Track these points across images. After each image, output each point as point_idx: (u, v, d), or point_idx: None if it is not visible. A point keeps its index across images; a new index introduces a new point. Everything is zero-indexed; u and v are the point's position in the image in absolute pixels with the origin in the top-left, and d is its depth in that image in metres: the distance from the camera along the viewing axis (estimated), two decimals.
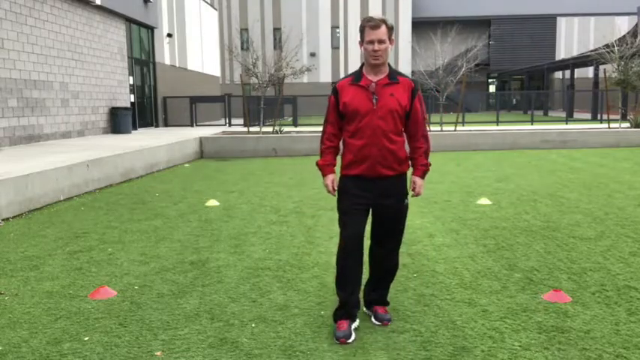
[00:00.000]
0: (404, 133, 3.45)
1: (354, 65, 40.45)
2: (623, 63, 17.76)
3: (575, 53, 42.52)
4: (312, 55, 42.83)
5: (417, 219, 6.48)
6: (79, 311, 3.83)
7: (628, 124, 18.35)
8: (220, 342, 3.32)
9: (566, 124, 22.82)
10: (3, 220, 6.76)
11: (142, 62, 20.22)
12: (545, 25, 46.35)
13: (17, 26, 12.30)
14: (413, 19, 43.75)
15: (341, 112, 3.41)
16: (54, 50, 13.76)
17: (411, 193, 3.52)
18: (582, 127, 19.65)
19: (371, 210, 3.46)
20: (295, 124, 22.00)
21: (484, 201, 7.56)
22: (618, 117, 19.12)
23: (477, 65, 22.10)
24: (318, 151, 3.63)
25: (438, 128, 18.12)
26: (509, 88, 49.58)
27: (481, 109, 40.61)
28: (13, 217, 6.98)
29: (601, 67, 22.98)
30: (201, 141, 14.79)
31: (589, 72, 38.07)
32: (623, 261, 4.79)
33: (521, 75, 46.64)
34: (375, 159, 3.32)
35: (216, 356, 3.14)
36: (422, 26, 41.79)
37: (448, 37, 24.25)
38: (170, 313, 3.77)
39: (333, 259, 3.76)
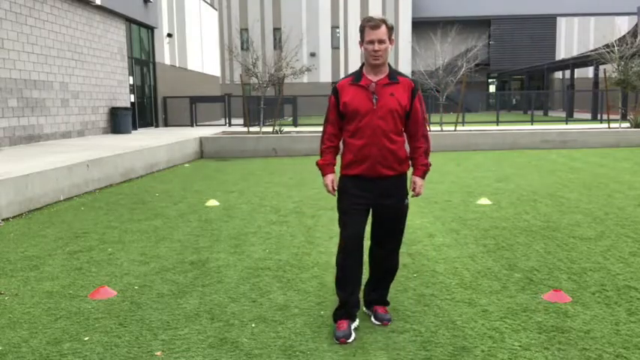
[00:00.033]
0: (404, 133, 3.45)
1: (354, 65, 40.46)
2: (623, 63, 17.76)
3: (575, 53, 42.52)
4: (312, 55, 42.83)
5: (417, 219, 6.49)
6: (79, 311, 3.83)
7: (628, 124, 18.35)
8: (220, 342, 3.32)
9: (566, 124, 22.82)
10: (3, 220, 6.77)
11: (142, 62, 20.22)
12: (545, 25, 46.35)
13: (17, 26, 12.30)
14: (413, 19, 43.75)
15: (341, 112, 3.41)
16: (54, 50, 13.76)
17: (411, 193, 3.52)
18: (582, 127, 19.65)
19: (371, 210, 3.46)
20: (295, 124, 22.00)
21: (484, 201, 7.56)
22: (618, 117, 19.12)
23: (477, 65, 22.10)
24: (318, 151, 3.63)
25: (438, 128, 18.12)
26: (509, 88, 49.58)
27: (481, 109, 40.61)
28: (13, 217, 6.98)
29: (601, 67, 22.98)
30: (201, 141, 14.79)
31: (589, 72, 38.07)
32: (623, 261, 4.79)
33: (521, 75, 46.65)
34: (375, 159, 3.32)
35: (216, 356, 3.14)
36: (422, 26, 41.79)
37: (448, 37, 24.24)
38: (170, 313, 3.77)
39: (333, 259, 3.76)
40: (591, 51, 25.79)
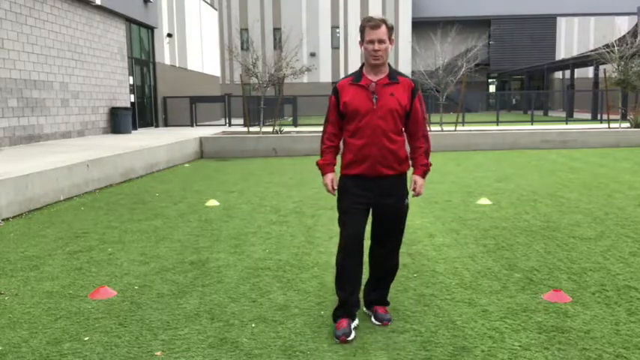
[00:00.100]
0: (404, 133, 3.45)
1: (354, 65, 40.47)
2: (623, 63, 17.76)
3: (575, 53, 42.53)
4: (312, 55, 42.83)
5: (417, 219, 6.49)
6: (79, 311, 3.83)
7: (628, 124, 18.35)
8: (220, 342, 3.32)
9: (566, 124, 22.82)
10: (3, 220, 6.77)
11: (142, 62, 20.22)
12: (545, 25, 46.36)
13: (17, 26, 12.30)
14: (413, 19, 43.76)
15: (341, 112, 3.41)
16: (54, 50, 13.76)
17: (411, 192, 3.53)
18: (582, 127, 19.65)
19: (371, 210, 3.46)
20: (295, 124, 22.00)
21: (484, 201, 7.56)
22: (618, 117, 19.12)
23: (477, 65, 22.10)
24: (318, 150, 3.64)
25: (438, 128, 18.12)
26: (509, 88, 49.58)
27: (481, 109, 40.61)
28: (13, 217, 6.98)
29: (601, 67, 22.98)
30: (201, 141, 14.79)
31: (589, 72, 38.07)
32: (623, 261, 4.79)
33: (521, 75, 46.65)
34: (375, 158, 3.32)
35: (216, 356, 3.14)
36: (422, 26, 41.79)
37: (448, 37, 24.25)
38: (170, 313, 3.77)
39: (333, 259, 3.76)
40: (591, 51, 25.80)
